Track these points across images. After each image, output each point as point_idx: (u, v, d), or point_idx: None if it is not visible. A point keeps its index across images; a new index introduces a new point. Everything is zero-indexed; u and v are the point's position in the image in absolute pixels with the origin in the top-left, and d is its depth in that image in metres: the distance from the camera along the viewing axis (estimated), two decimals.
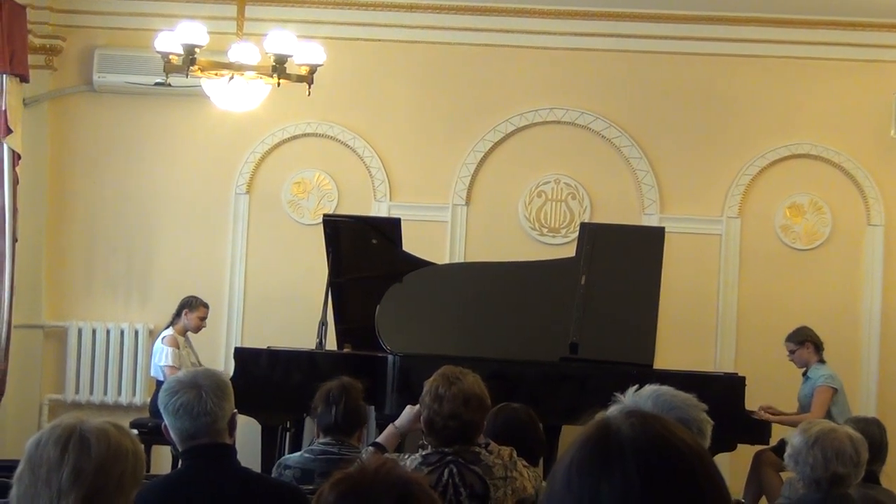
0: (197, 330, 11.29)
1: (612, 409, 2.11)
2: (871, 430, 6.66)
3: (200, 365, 11.21)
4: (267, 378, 10.13)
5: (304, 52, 9.60)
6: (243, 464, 5.37)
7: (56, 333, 12.18)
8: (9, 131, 11.24)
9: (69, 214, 12.20)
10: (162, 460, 10.74)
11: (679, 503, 1.93)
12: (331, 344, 10.66)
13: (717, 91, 12.09)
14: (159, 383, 11.03)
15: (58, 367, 12.18)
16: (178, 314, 11.22)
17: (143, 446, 3.78)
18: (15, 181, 11.37)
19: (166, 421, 5.04)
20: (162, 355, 11.05)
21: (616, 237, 10.84)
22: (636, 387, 3.57)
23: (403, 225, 10.82)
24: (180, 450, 5.12)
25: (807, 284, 11.98)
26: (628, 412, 2.06)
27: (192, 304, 11.24)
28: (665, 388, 3.58)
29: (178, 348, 11.09)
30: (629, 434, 1.97)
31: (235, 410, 5.25)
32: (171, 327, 11.21)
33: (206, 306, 11.32)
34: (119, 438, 3.62)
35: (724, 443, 8.92)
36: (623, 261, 10.53)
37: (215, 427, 5.00)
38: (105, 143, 12.20)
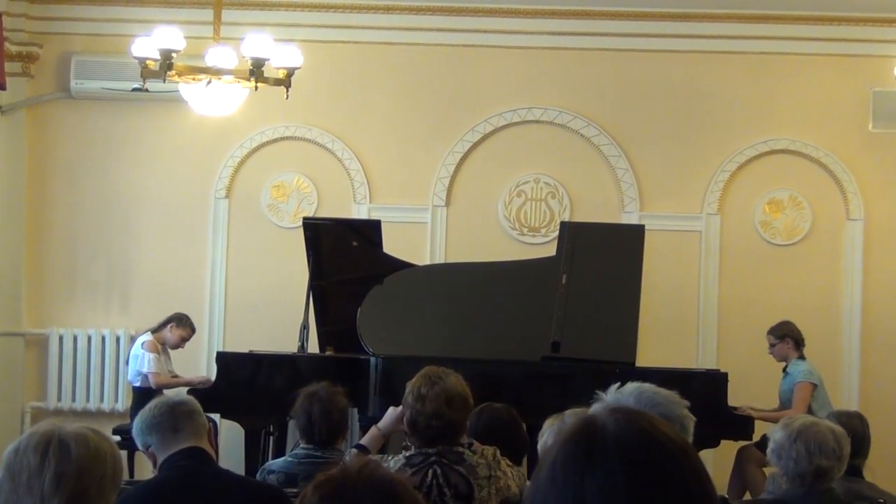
0: (175, 347, 11.20)
1: (596, 407, 2.11)
2: (854, 424, 6.67)
3: (175, 375, 11.17)
4: (249, 382, 10.12)
5: (282, 55, 9.59)
6: (227, 468, 5.38)
7: (37, 341, 12.15)
8: None
9: (48, 221, 12.17)
10: (145, 466, 10.71)
11: (663, 498, 1.93)
12: (313, 347, 10.64)
13: (694, 88, 12.10)
14: (136, 389, 11.00)
15: (39, 374, 12.15)
16: (164, 324, 11.16)
17: (119, 450, 3.78)
18: None
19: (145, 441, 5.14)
20: (144, 361, 10.98)
21: (596, 236, 10.85)
22: (618, 384, 3.57)
23: (384, 227, 10.81)
24: (160, 461, 5.15)
25: (787, 280, 12.00)
26: (613, 408, 2.07)
27: (181, 322, 11.14)
28: (647, 386, 3.58)
29: (158, 354, 11.04)
30: (613, 429, 1.97)
31: (210, 426, 5.29)
32: (150, 333, 11.16)
33: (193, 329, 11.25)
34: (98, 442, 3.63)
35: (707, 439, 8.92)
36: (603, 259, 10.54)
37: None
38: (83, 150, 12.17)
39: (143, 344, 11.08)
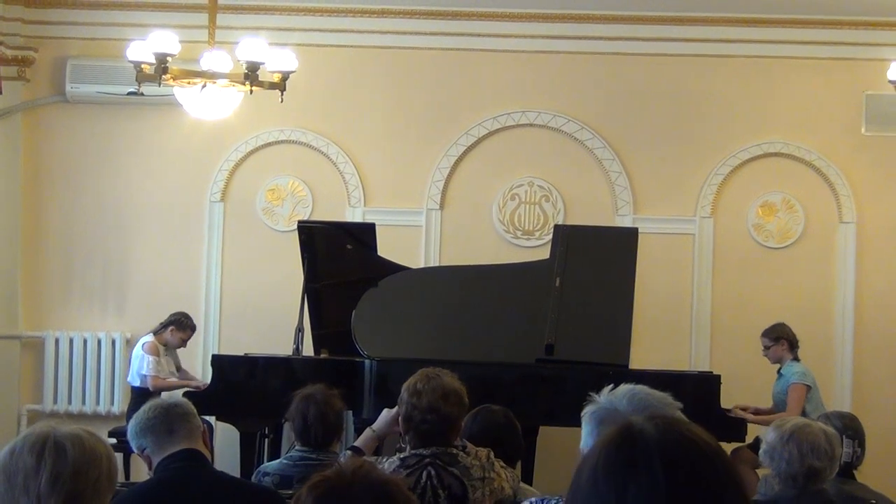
0: (176, 347, 11.28)
1: (635, 418, 2.12)
2: (856, 426, 6.71)
3: (179, 371, 11.22)
4: (244, 385, 10.13)
5: (276, 59, 9.60)
6: (222, 470, 5.38)
7: (33, 344, 12.15)
8: None
9: (44, 225, 12.17)
10: (140, 468, 10.71)
11: (703, 500, 1.96)
12: (308, 349, 10.65)
13: (688, 91, 12.12)
14: (134, 390, 11.04)
15: (35, 377, 12.15)
16: (165, 326, 11.20)
17: (114, 452, 3.79)
18: None
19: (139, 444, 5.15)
20: (143, 363, 11.04)
21: (590, 238, 10.85)
22: (611, 386, 3.58)
23: (378, 230, 10.82)
24: (154, 463, 5.16)
25: (780, 282, 12.01)
26: (650, 415, 2.12)
27: (181, 324, 11.21)
28: (640, 387, 3.58)
29: (158, 356, 11.08)
30: (654, 435, 2.02)
31: (204, 427, 5.30)
32: (151, 334, 11.20)
33: (193, 329, 11.33)
34: (93, 443, 3.64)
35: None
36: (597, 262, 10.55)
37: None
38: (79, 154, 12.18)
39: (143, 345, 11.14)
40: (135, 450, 5.27)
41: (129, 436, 5.27)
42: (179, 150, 12.14)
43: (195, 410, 5.26)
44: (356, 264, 10.65)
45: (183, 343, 11.31)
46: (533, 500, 3.62)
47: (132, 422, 5.25)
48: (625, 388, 3.57)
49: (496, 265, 10.97)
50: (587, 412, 3.49)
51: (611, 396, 3.51)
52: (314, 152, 12.21)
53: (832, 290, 12.07)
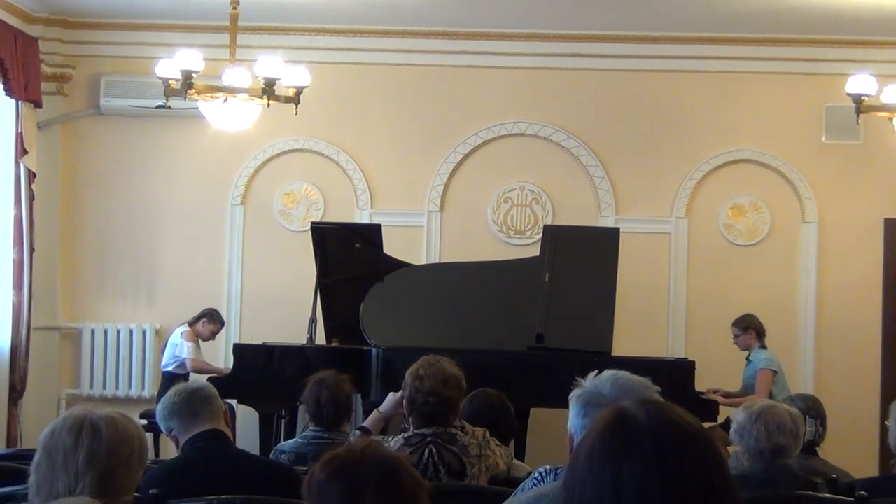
0: (206, 339, 11.33)
1: (627, 402, 2.12)
2: (818, 407, 6.70)
3: (207, 364, 11.24)
4: (263, 371, 10.11)
5: (291, 75, 9.60)
6: (243, 449, 5.39)
7: (71, 334, 12.15)
8: (24, 152, 11.23)
9: (81, 226, 12.16)
10: (169, 447, 10.71)
11: (691, 478, 1.97)
12: (320, 339, 10.64)
13: (665, 104, 12.11)
14: (165, 374, 11.06)
15: (73, 364, 12.14)
16: (198, 318, 11.26)
17: (144, 432, 3.80)
18: (31, 197, 11.35)
19: (167, 425, 5.16)
20: (183, 348, 11.13)
21: (576, 238, 10.83)
22: (595, 372, 3.58)
23: (384, 230, 10.80)
24: (181, 443, 5.16)
25: (748, 277, 12.00)
26: (642, 401, 2.12)
27: (212, 317, 11.32)
28: (622, 373, 3.58)
29: (195, 343, 11.18)
30: (645, 420, 2.02)
31: (226, 408, 5.31)
32: (187, 325, 11.25)
33: (222, 324, 11.42)
34: (125, 425, 3.65)
35: None
36: (583, 259, 10.52)
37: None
38: (112, 161, 12.17)
39: (182, 334, 11.21)
40: (163, 431, 5.28)
41: (158, 418, 5.28)
42: (203, 158, 12.14)
43: (217, 393, 5.26)
44: (364, 261, 10.63)
45: (213, 335, 11.36)
46: (542, 469, 3.61)
47: (160, 405, 5.26)
48: (608, 373, 3.56)
49: (491, 262, 10.97)
50: (574, 395, 3.49)
51: (596, 381, 3.51)
52: (326, 160, 12.20)
53: (796, 283, 12.06)
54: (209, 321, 11.28)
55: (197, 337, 11.27)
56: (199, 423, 5.12)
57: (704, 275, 12.06)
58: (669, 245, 12.10)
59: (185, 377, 10.41)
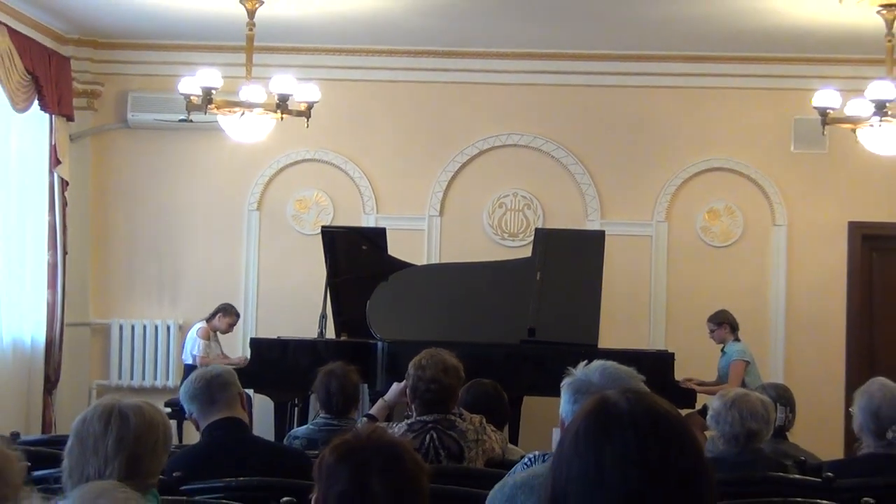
0: (225, 332, 11.35)
1: (610, 391, 2.13)
2: (788, 395, 6.71)
3: (225, 356, 11.24)
4: (278, 363, 10.11)
5: (303, 91, 9.61)
6: (259, 435, 5.38)
7: (101, 329, 12.15)
8: (58, 162, 11.23)
9: (110, 230, 12.17)
10: (191, 433, 10.71)
11: (666, 458, 1.97)
12: (330, 333, 10.64)
13: (646, 116, 12.11)
14: (187, 367, 11.08)
15: (103, 357, 12.15)
16: (213, 314, 11.28)
17: (169, 420, 3.81)
18: (64, 204, 11.36)
19: (188, 408, 5.17)
20: (196, 345, 11.17)
21: (565, 240, 10.84)
22: (586, 362, 3.57)
23: (388, 233, 10.81)
24: (201, 426, 5.17)
25: (723, 276, 12.00)
26: (623, 389, 2.13)
27: (227, 311, 11.33)
28: (610, 363, 3.57)
29: (209, 340, 11.19)
30: (625, 406, 2.03)
31: (243, 393, 5.31)
32: (204, 321, 11.26)
33: (238, 315, 11.42)
34: (151, 413, 3.65)
35: None
36: (571, 259, 10.53)
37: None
38: (138, 171, 12.17)
39: (197, 331, 11.26)
40: (186, 413, 5.30)
41: (181, 401, 5.30)
42: (222, 167, 12.13)
43: (235, 380, 5.25)
44: (370, 262, 10.63)
45: (230, 328, 11.37)
46: (532, 454, 3.61)
47: (182, 388, 5.28)
48: (597, 363, 3.56)
49: (486, 262, 10.96)
50: (566, 383, 3.49)
51: (586, 370, 3.51)
52: (334, 169, 12.20)
53: (767, 281, 12.06)
54: (224, 315, 11.29)
55: (214, 331, 11.29)
56: (217, 409, 5.12)
57: (683, 274, 12.06)
58: (651, 246, 12.10)
59: None
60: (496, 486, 3.41)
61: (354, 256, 10.76)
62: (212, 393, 5.12)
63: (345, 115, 12.04)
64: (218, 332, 11.35)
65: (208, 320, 11.29)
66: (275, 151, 11.95)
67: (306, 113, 9.72)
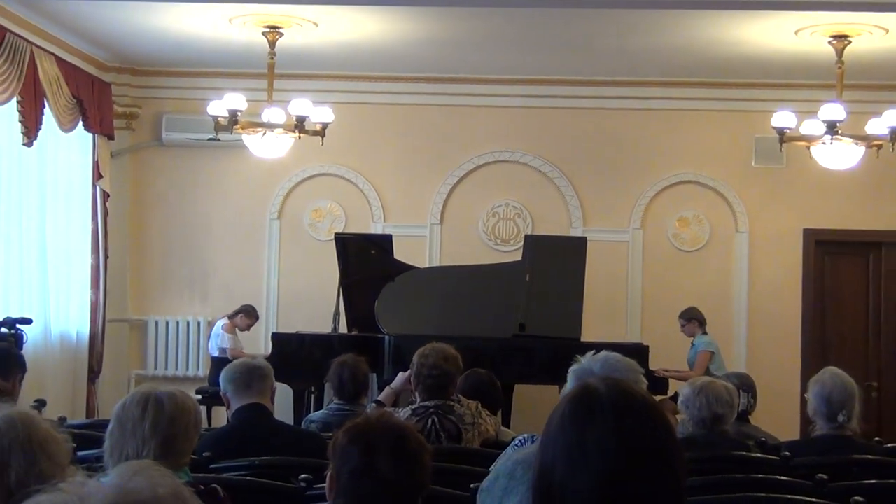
0: (243, 330, 11.32)
1: (590, 378, 2.13)
2: (750, 382, 6.72)
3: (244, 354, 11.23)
4: (296, 355, 10.11)
5: (318, 113, 9.63)
6: (280, 419, 5.38)
7: (139, 325, 12.14)
8: (100, 176, 11.24)
9: (146, 236, 12.17)
10: (219, 417, 10.71)
11: (642, 438, 1.98)
12: (342, 328, 10.64)
13: (624, 135, 12.11)
14: (213, 358, 11.08)
15: (141, 349, 12.14)
16: (236, 313, 11.26)
17: (199, 406, 3.82)
18: (105, 213, 11.36)
19: (224, 387, 5.19)
20: (224, 339, 11.14)
21: (551, 245, 10.85)
22: (594, 352, 3.55)
23: (394, 239, 10.83)
24: (232, 407, 5.18)
25: (692, 277, 12.00)
26: (604, 377, 2.14)
27: (249, 313, 11.31)
28: (613, 355, 3.55)
29: (234, 334, 11.18)
30: (605, 392, 2.03)
31: (275, 388, 5.35)
32: (226, 318, 11.26)
33: (257, 318, 11.40)
34: (183, 399, 3.66)
35: None
36: (557, 262, 10.53)
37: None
38: (171, 184, 12.17)
39: (222, 326, 11.23)
40: (221, 390, 5.29)
41: (220, 379, 5.30)
42: (246, 181, 12.13)
43: (272, 375, 5.28)
44: (378, 265, 10.64)
45: (248, 328, 11.34)
46: (521, 436, 3.60)
47: (224, 370, 5.29)
48: (603, 353, 3.54)
49: (482, 265, 10.97)
50: (572, 369, 3.49)
51: (591, 359, 3.49)
52: (346, 182, 12.20)
53: (731, 281, 12.06)
54: (246, 316, 11.28)
55: (235, 328, 11.27)
56: (248, 394, 5.14)
57: (656, 275, 12.06)
58: (628, 251, 12.10)
59: (228, 360, 10.42)
60: (499, 461, 3.37)
61: (364, 260, 10.76)
62: (250, 380, 5.15)
63: (355, 134, 12.04)
64: (238, 330, 11.33)
65: (231, 317, 11.27)
66: (293, 167, 11.95)
67: (321, 132, 9.74)
